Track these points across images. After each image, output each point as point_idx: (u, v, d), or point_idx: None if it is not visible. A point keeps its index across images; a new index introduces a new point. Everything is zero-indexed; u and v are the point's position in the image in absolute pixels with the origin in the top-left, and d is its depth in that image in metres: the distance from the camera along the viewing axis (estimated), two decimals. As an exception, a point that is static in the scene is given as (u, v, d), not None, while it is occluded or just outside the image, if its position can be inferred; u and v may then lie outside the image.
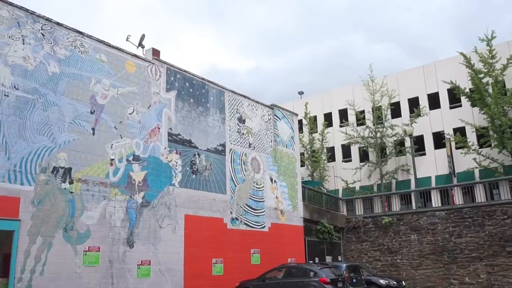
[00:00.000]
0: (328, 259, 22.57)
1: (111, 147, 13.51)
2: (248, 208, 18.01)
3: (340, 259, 23.79)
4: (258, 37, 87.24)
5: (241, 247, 17.22)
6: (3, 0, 11.69)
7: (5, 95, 11.30)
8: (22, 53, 11.87)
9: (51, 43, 12.57)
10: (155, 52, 16.01)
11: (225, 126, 17.87)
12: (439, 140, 30.43)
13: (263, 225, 18.50)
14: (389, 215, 24.02)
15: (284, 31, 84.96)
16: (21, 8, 12.06)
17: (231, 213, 17.13)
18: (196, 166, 16.13)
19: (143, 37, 15.99)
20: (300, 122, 30.36)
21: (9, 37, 11.68)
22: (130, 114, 14.31)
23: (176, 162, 15.45)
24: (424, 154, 31.01)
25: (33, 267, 11.01)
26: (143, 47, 15.98)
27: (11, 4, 11.85)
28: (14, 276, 10.66)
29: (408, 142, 30.13)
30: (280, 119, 21.04)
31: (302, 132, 34.22)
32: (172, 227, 14.76)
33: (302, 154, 31.95)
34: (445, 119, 30.54)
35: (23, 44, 11.94)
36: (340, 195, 31.12)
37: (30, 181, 11.38)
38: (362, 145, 32.50)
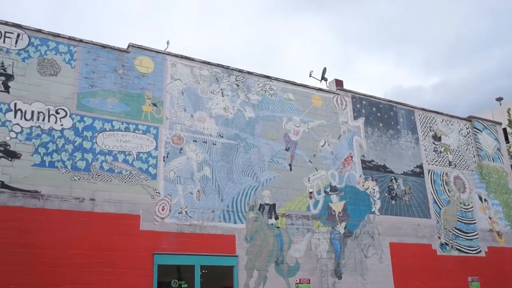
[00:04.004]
0: None
1: (308, 181, 13.93)
2: (458, 231, 16.49)
3: None
4: (440, 50, 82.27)
5: (456, 275, 15.73)
6: (204, 61, 13.35)
7: (213, 144, 12.69)
8: (223, 105, 13.26)
9: (245, 91, 13.77)
10: (338, 83, 16.24)
11: (420, 146, 16.93)
12: None
13: (478, 250, 16.68)
14: None
15: (467, 38, 78.43)
16: (217, 65, 13.57)
17: (439, 238, 15.90)
18: (394, 191, 15.54)
19: (324, 70, 16.43)
20: (504, 131, 27.13)
21: (211, 92, 13.18)
22: (322, 146, 14.64)
23: (373, 189, 15.13)
24: None
25: (253, 300, 11.81)
26: (326, 80, 16.40)
27: (209, 63, 13.44)
28: (238, 308, 11.56)
29: None
30: (481, 131, 19.09)
31: (508, 142, 30.44)
32: (378, 256, 14.32)
33: (512, 166, 28.30)
34: None
35: (222, 96, 13.34)
36: None
37: (242, 219, 12.38)
38: None
